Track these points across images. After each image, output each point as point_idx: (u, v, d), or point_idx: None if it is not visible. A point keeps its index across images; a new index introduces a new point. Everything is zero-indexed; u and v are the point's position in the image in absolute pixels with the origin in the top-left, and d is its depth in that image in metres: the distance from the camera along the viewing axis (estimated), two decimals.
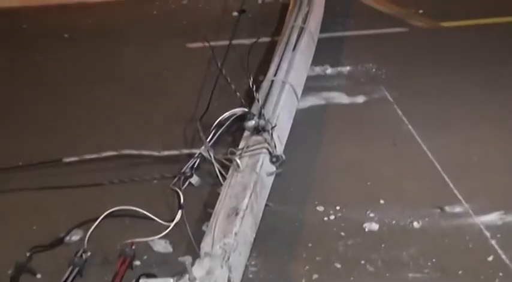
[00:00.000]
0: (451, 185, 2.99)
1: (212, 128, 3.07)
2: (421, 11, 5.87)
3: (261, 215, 2.62)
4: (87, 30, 5.63)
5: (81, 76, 4.53)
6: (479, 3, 6.11)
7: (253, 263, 2.51)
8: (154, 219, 2.72)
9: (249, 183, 2.55)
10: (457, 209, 2.82)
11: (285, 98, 3.26)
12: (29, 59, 4.88)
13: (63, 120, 3.85)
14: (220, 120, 3.04)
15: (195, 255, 2.16)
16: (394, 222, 2.75)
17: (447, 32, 5.30)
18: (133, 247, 2.52)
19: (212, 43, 4.59)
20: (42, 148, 3.44)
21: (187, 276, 2.00)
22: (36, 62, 4.84)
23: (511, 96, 3.92)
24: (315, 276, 2.45)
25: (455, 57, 4.62)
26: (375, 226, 2.72)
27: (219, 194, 2.55)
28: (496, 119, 3.63)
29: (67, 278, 2.41)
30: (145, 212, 2.73)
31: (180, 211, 2.72)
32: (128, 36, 5.39)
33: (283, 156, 2.80)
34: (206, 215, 2.73)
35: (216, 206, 2.43)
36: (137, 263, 2.54)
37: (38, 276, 2.50)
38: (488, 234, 2.66)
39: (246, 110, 2.95)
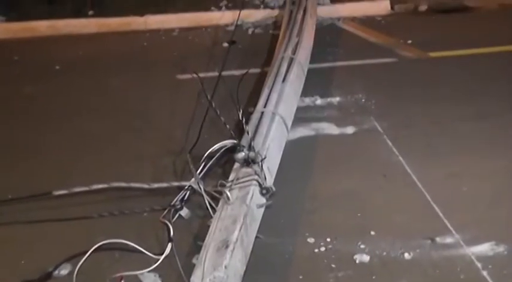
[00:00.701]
0: (442, 216, 3.02)
1: (202, 160, 3.10)
2: (409, 41, 5.99)
3: (251, 247, 2.63)
4: (78, 61, 5.69)
5: (70, 108, 4.56)
6: (467, 33, 6.25)
7: None
8: (144, 253, 2.73)
9: (239, 216, 2.57)
10: (448, 240, 2.84)
11: (274, 130, 3.30)
12: (19, 91, 4.92)
13: (52, 153, 3.86)
14: (210, 152, 3.07)
15: None
16: (385, 253, 2.77)
17: (435, 62, 5.40)
18: (122, 281, 2.52)
19: (202, 74, 4.65)
20: (32, 181, 3.45)
21: None
22: (26, 94, 4.88)
23: (500, 126, 3.98)
24: None
25: (444, 87, 4.71)
26: (365, 258, 2.74)
27: (209, 226, 2.57)
28: (484, 149, 3.69)
29: None
30: (135, 245, 2.74)
31: (169, 244, 2.73)
32: (119, 67, 5.45)
33: (273, 188, 2.83)
34: (196, 248, 2.74)
35: (206, 239, 2.45)
36: None
37: None
38: (479, 265, 2.68)
39: (236, 142, 2.99)
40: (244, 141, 3.04)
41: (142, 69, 5.35)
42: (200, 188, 2.84)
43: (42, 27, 6.76)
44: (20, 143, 4.04)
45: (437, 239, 2.85)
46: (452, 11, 7.35)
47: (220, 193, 2.72)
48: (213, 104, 3.32)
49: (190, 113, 4.18)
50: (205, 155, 3.08)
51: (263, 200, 2.80)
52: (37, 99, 4.77)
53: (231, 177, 2.86)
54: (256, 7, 7.24)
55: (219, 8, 7.22)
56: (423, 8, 7.51)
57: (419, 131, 3.95)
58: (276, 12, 7.07)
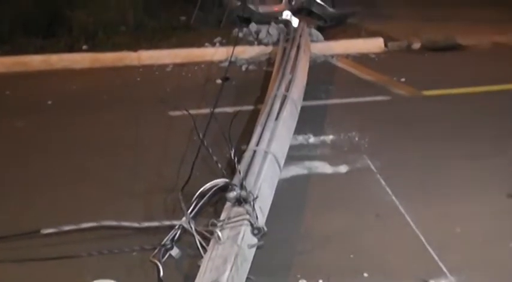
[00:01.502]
0: (436, 257, 3.03)
1: (194, 198, 3.10)
2: (403, 79, 6.09)
3: None
4: (71, 96, 5.75)
5: (62, 143, 4.58)
6: (460, 72, 6.38)
7: None
8: None
9: (230, 256, 2.57)
10: None
11: (267, 169, 3.33)
12: (10, 125, 4.94)
13: (42, 189, 3.86)
14: (201, 191, 3.08)
15: None
16: None
17: (429, 100, 5.49)
18: None
19: (195, 111, 4.73)
20: (20, 218, 3.44)
21: None
22: (17, 129, 4.90)
23: (493, 166, 4.03)
24: None
25: (437, 126, 4.77)
26: None
27: (199, 266, 2.56)
28: (477, 190, 3.72)
29: None
30: None
31: None
32: (111, 103, 5.50)
33: (265, 228, 2.83)
34: None
35: (197, 279, 2.44)
36: None
37: None
38: None
39: (228, 181, 3.01)
40: (236, 180, 3.06)
41: (135, 104, 5.40)
42: (191, 228, 2.85)
43: (36, 61, 6.84)
44: (9, 178, 4.04)
45: (431, 281, 2.85)
46: (445, 49, 7.51)
47: (211, 233, 2.72)
48: (205, 142, 3.35)
49: (182, 150, 4.21)
50: (197, 193, 3.09)
51: (255, 240, 2.80)
52: (28, 134, 4.79)
53: (222, 217, 2.87)
54: (250, 43, 7.37)
55: (213, 44, 7.34)
56: (416, 46, 7.67)
57: (412, 170, 3.99)
58: (269, 48, 7.19)
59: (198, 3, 8.32)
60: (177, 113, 5.00)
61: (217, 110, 4.60)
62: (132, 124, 4.94)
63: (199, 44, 7.34)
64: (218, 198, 3.17)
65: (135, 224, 3.06)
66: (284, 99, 4.37)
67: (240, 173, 3.10)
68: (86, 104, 5.49)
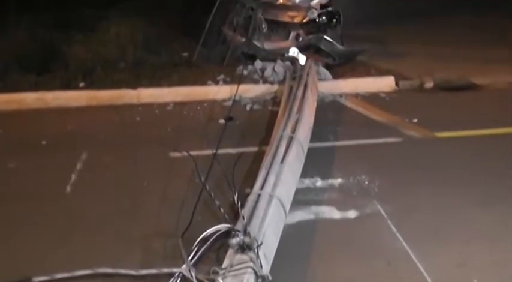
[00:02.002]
0: None
1: (195, 245, 3.15)
2: (415, 120, 6.16)
3: None
4: (66, 136, 5.84)
5: (56, 186, 4.63)
6: (475, 113, 6.46)
7: None
8: None
9: None
10: None
11: (272, 213, 3.38)
12: (1, 166, 5.00)
13: (34, 234, 3.90)
14: (203, 237, 3.13)
15: None
16: None
17: (442, 143, 5.56)
18: None
19: (196, 152, 4.81)
20: (10, 265, 3.46)
21: None
22: (9, 170, 4.96)
23: (509, 213, 4.06)
24: None
25: (451, 169, 4.83)
26: None
27: None
28: (493, 237, 3.75)
29: None
30: None
31: None
32: (109, 143, 5.58)
33: (270, 277, 2.87)
34: None
35: None
36: None
37: None
38: None
39: (231, 226, 3.06)
40: (240, 225, 3.11)
41: (134, 145, 5.48)
42: (192, 276, 2.88)
43: (30, 99, 6.93)
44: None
45: None
46: (459, 89, 7.61)
47: (213, 281, 2.76)
48: (207, 185, 3.41)
49: (183, 194, 4.26)
50: (198, 239, 3.14)
51: None
52: (21, 176, 4.85)
53: (224, 264, 2.91)
54: (255, 82, 7.47)
55: (216, 82, 7.46)
56: (429, 85, 7.77)
57: (425, 216, 4.03)
58: (275, 87, 7.30)
59: (201, 39, 8.48)
60: (178, 154, 5.08)
61: (220, 151, 4.67)
62: (130, 165, 5.01)
63: (202, 82, 7.45)
64: (220, 244, 3.21)
65: (133, 272, 3.10)
66: (290, 140, 4.44)
67: (243, 218, 3.15)
68: (81, 144, 5.56)
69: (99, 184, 4.66)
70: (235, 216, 3.29)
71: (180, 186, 4.44)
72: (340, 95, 7.29)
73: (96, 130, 5.99)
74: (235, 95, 6.54)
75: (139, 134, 5.88)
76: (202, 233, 3.13)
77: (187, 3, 11.94)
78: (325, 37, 8.48)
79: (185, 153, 4.71)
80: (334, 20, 8.83)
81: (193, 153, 4.74)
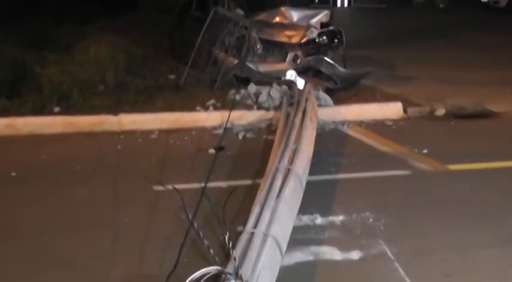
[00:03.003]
0: None
1: None
2: (425, 151, 6.23)
3: None
4: (40, 167, 5.86)
5: (28, 223, 4.62)
6: (491, 143, 6.53)
7: None
8: None
9: None
10: None
11: (266, 254, 3.39)
12: None
13: (1, 269, 3.89)
14: (190, 280, 3.14)
15: None
16: None
17: (455, 176, 5.62)
18: None
19: (184, 186, 4.84)
20: None
21: None
22: None
23: None
24: None
25: (465, 206, 4.87)
26: None
27: None
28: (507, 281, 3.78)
29: None
30: None
31: None
32: (87, 175, 5.60)
33: None
34: None
35: None
36: None
37: None
38: None
39: (221, 268, 3.07)
40: (231, 267, 3.12)
41: (115, 177, 5.51)
42: None
43: None
44: None
45: None
46: (474, 116, 7.69)
47: None
48: (195, 223, 3.43)
49: (168, 232, 4.27)
50: None
51: None
52: None
53: None
54: (249, 108, 7.53)
55: (206, 108, 7.52)
56: (441, 112, 7.85)
57: (435, 258, 4.05)
58: (271, 114, 7.36)
59: (190, 61, 8.56)
60: (163, 187, 5.10)
61: (210, 184, 4.71)
62: (110, 200, 5.02)
63: (190, 108, 7.52)
64: None
65: None
66: (287, 173, 4.48)
67: (235, 259, 3.16)
68: (56, 176, 5.59)
69: (75, 220, 4.66)
70: (226, 257, 3.30)
71: (165, 224, 4.46)
72: (343, 123, 7.37)
73: (72, 160, 6.01)
74: (226, 123, 6.60)
75: (120, 164, 5.90)
76: (189, 276, 3.14)
77: (175, 21, 12.08)
78: (326, 59, 8.60)
79: (171, 187, 4.74)
80: (336, 40, 8.97)
81: (180, 186, 4.77)
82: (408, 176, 5.60)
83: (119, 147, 6.44)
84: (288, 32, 8.87)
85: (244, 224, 3.78)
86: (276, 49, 8.76)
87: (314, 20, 9.08)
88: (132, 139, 6.73)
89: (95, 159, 6.06)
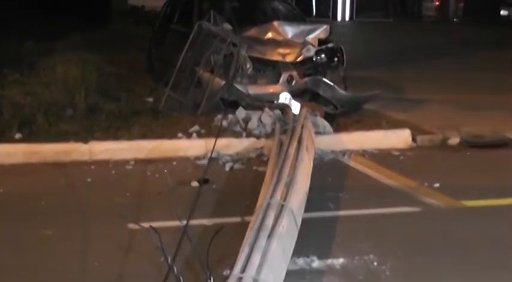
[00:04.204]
0: None
1: None
2: (436, 185, 6.28)
3: None
4: None
5: None
6: None
7: None
8: None
9: None
10: None
11: None
12: None
13: None
14: None
15: None
16: None
17: (471, 214, 5.67)
18: None
19: (163, 224, 4.84)
20: None
21: None
22: None
23: None
24: None
25: (481, 249, 4.90)
26: None
27: None
28: None
29: None
30: None
31: None
32: (53, 212, 5.59)
33: None
34: None
35: None
36: None
37: None
38: None
39: None
40: None
41: (84, 215, 5.50)
42: None
43: None
44: None
45: None
46: (492, 146, 7.76)
47: None
48: (175, 268, 3.44)
49: (144, 278, 4.28)
50: None
51: None
52: None
53: None
54: (237, 135, 7.57)
55: (188, 135, 7.56)
56: (454, 141, 7.92)
57: None
58: (262, 142, 7.40)
59: (170, 82, 8.62)
60: (139, 226, 5.09)
61: (192, 222, 4.70)
62: (78, 241, 5.00)
63: (171, 135, 7.55)
64: None
65: None
66: (280, 209, 4.49)
67: None
68: (16, 213, 5.57)
69: (39, 265, 4.64)
70: None
71: (140, 268, 4.46)
72: (343, 153, 7.42)
73: (35, 194, 6.01)
74: (212, 152, 6.61)
75: (91, 200, 5.91)
76: None
77: (154, 36, 12.19)
78: (325, 80, 8.65)
79: (147, 225, 4.73)
80: (336, 59, 9.05)
81: (158, 225, 4.72)
82: (417, 214, 5.64)
83: (89, 179, 6.45)
84: (281, 50, 8.91)
85: (231, 267, 3.78)
86: (268, 69, 8.80)
87: (311, 36, 9.11)
88: (104, 170, 6.74)
89: (62, 194, 6.07)
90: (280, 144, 6.33)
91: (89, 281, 4.40)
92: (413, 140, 7.87)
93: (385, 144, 7.76)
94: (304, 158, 5.73)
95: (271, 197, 4.68)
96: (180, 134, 7.57)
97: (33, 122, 7.73)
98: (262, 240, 4.02)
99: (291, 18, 10.29)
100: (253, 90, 8.51)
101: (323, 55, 8.92)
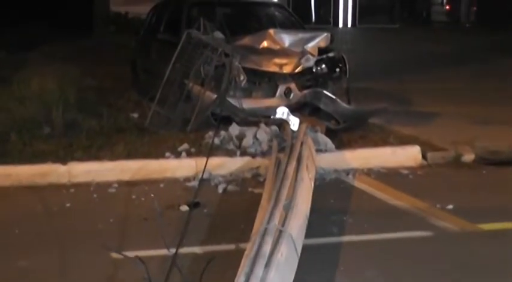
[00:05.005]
0: None
1: None
2: (449, 207, 6.28)
3: None
4: None
5: None
6: None
7: None
8: None
9: None
10: None
11: None
12: None
13: None
14: None
15: None
16: None
17: (488, 238, 5.66)
18: None
19: (149, 253, 4.85)
20: None
21: None
22: None
23: None
24: None
25: (503, 276, 4.90)
26: None
27: None
28: None
29: None
30: None
31: None
32: (29, 241, 5.58)
33: None
34: None
35: None
36: None
37: None
38: None
39: None
40: None
41: (63, 243, 5.49)
42: None
43: None
44: None
45: None
46: (509, 163, 7.76)
47: None
48: None
49: None
50: None
51: None
52: None
53: None
54: (230, 154, 7.57)
55: (177, 155, 7.56)
56: (469, 158, 7.93)
57: None
58: (257, 161, 7.40)
59: (157, 96, 8.62)
60: (123, 256, 5.09)
61: (182, 250, 4.70)
62: (56, 273, 5.00)
63: (158, 154, 7.55)
64: None
65: None
66: (278, 235, 4.50)
67: None
68: None
69: None
70: None
71: None
72: (347, 172, 7.43)
73: (9, 222, 6.01)
74: (203, 172, 6.62)
75: (70, 227, 5.90)
76: None
77: (139, 46, 12.23)
78: (326, 92, 8.68)
79: (133, 255, 4.74)
80: (338, 69, 9.06)
81: (145, 254, 4.76)
82: (429, 238, 5.63)
83: (69, 204, 6.44)
84: (278, 60, 8.92)
85: None
86: (264, 81, 8.82)
87: (310, 45, 9.13)
88: (85, 194, 6.73)
89: (38, 221, 6.05)
90: (278, 163, 6.34)
91: None
92: (424, 157, 7.88)
93: (392, 162, 7.77)
94: (304, 178, 5.74)
95: (269, 221, 4.68)
96: (167, 153, 7.56)
97: (6, 141, 7.73)
98: (259, 270, 4.02)
99: (288, 26, 10.33)
100: (247, 104, 8.53)
101: (324, 65, 8.95)
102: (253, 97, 8.72)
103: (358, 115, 8.82)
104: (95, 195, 6.72)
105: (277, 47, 9.22)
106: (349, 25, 33.18)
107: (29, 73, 9.31)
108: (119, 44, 15.74)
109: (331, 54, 9.08)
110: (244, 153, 7.59)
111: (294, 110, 8.47)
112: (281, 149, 6.91)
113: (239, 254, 4.59)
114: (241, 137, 7.84)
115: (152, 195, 6.67)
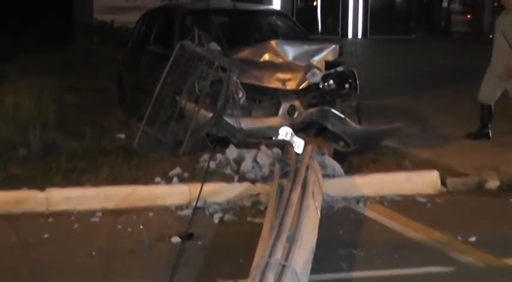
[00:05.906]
0: None
1: None
2: (472, 239, 6.28)
3: None
4: None
5: None
6: None
7: None
8: None
9: None
10: None
11: None
12: None
13: None
14: None
15: None
16: None
17: None
18: None
19: None
20: None
21: None
22: None
23: None
24: None
25: None
26: None
27: None
28: None
29: None
30: None
31: None
32: (1, 277, 5.57)
33: None
34: None
35: None
36: None
37: None
38: None
39: None
40: None
41: (40, 279, 5.48)
42: None
43: None
44: None
45: None
46: None
47: None
48: None
49: None
50: None
51: None
52: None
53: None
54: (228, 179, 7.57)
55: (168, 180, 7.55)
56: (493, 184, 7.94)
57: None
58: (258, 187, 7.39)
59: (146, 114, 8.62)
60: None
61: None
62: None
63: (147, 180, 7.54)
64: None
65: None
66: (281, 271, 4.50)
67: None
68: None
69: None
70: None
71: None
72: (358, 200, 7.43)
73: None
74: (197, 200, 6.62)
75: (48, 260, 5.88)
76: None
77: (126, 59, 12.26)
78: (334, 111, 8.66)
79: None
80: (347, 86, 9.05)
81: None
82: (450, 274, 5.62)
83: (47, 235, 6.43)
84: (281, 75, 8.90)
85: None
86: (265, 98, 8.81)
87: (317, 58, 9.12)
88: (65, 224, 6.72)
89: (13, 254, 6.04)
90: (281, 189, 6.34)
91: None
92: (443, 183, 7.88)
93: (408, 189, 7.77)
94: (310, 206, 5.74)
95: (270, 255, 4.68)
96: (158, 179, 7.55)
97: None
98: None
99: (292, 36, 10.36)
100: (246, 124, 8.50)
101: (331, 81, 8.94)
102: (253, 116, 8.70)
103: (369, 136, 8.81)
104: (76, 225, 6.70)
105: (280, 60, 9.19)
106: (360, 36, 33.18)
107: (2, 89, 9.30)
108: (104, 56, 15.78)
109: (339, 69, 9.07)
110: (243, 178, 7.58)
111: (298, 130, 8.45)
112: (284, 174, 6.91)
113: None
114: (239, 161, 7.82)
115: (140, 225, 6.65)
